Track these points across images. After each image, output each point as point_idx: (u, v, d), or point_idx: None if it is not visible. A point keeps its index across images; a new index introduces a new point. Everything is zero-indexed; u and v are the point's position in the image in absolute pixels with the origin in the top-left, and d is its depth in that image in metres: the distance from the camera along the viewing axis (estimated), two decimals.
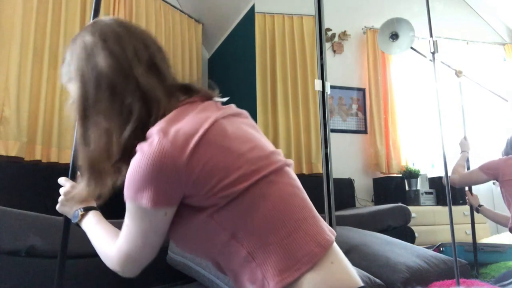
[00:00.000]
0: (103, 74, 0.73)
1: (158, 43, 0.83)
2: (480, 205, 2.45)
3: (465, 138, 2.50)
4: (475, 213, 2.50)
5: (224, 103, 0.85)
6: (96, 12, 1.21)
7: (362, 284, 0.69)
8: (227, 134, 0.71)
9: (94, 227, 0.89)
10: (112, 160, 0.73)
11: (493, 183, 2.53)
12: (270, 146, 0.78)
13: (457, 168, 2.41)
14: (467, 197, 2.53)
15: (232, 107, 0.83)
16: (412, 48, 2.47)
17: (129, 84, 0.73)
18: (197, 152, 0.65)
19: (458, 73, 2.49)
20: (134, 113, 0.72)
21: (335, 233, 0.77)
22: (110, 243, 0.80)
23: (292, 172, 0.79)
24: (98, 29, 0.77)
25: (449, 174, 2.17)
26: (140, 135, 0.69)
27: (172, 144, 0.64)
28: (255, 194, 0.68)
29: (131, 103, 0.72)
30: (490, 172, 2.29)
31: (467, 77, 2.53)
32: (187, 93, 0.80)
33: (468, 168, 2.49)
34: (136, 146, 0.68)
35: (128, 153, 0.70)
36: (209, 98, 0.81)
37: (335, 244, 0.73)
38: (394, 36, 2.46)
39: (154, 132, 0.67)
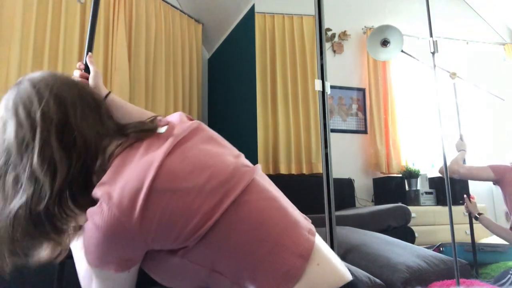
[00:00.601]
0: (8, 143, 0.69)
1: (83, 91, 0.77)
2: (479, 214, 2.40)
3: (461, 138, 2.49)
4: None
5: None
6: (95, 13, 1.21)
7: (350, 279, 0.68)
8: (178, 174, 0.65)
9: None
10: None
11: (494, 183, 2.52)
12: (230, 159, 0.73)
13: (457, 162, 2.40)
14: (465, 204, 2.47)
15: (180, 127, 0.76)
16: (403, 51, 2.47)
17: (25, 156, 0.67)
18: (148, 208, 0.61)
19: (452, 75, 2.48)
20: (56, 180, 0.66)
21: (309, 220, 0.76)
22: None
23: (261, 178, 0.74)
24: (12, 98, 0.77)
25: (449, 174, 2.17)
26: (83, 191, 0.67)
27: (119, 209, 0.61)
28: (224, 225, 0.64)
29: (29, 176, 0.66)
30: (498, 173, 2.30)
31: (461, 79, 2.52)
32: (125, 134, 0.74)
33: None
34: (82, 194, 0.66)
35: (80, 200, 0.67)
36: (150, 132, 0.75)
37: (315, 239, 0.71)
38: (385, 43, 2.48)
39: (99, 195, 0.63)
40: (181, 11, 3.79)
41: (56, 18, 2.71)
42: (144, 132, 0.74)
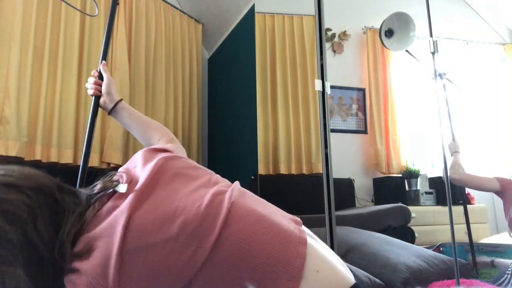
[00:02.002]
0: None
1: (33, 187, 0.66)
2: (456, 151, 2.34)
3: (453, 139, 2.44)
4: (474, 213, 2.49)
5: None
6: (111, 23, 1.25)
7: (353, 282, 0.67)
8: (148, 229, 0.62)
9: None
10: None
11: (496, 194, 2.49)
12: (201, 194, 0.70)
13: (457, 169, 2.37)
14: (448, 144, 2.38)
15: (142, 178, 0.72)
16: (407, 51, 2.44)
17: None
18: (125, 272, 0.59)
19: (443, 75, 2.47)
20: None
21: (299, 221, 0.74)
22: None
23: (241, 198, 0.71)
24: None
25: (449, 174, 2.16)
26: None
27: (94, 279, 0.58)
28: (209, 268, 0.62)
29: None
30: (502, 185, 2.29)
31: (448, 80, 2.51)
32: (89, 204, 0.69)
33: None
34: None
35: None
36: (110, 192, 0.70)
37: (310, 241, 0.68)
38: (388, 33, 2.43)
39: (75, 267, 0.60)
40: (181, 11, 3.79)
41: (56, 18, 2.71)
42: (108, 190, 0.70)
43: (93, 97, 1.17)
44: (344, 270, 0.68)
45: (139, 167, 0.78)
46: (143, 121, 1.11)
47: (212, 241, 0.63)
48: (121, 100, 1.13)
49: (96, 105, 1.17)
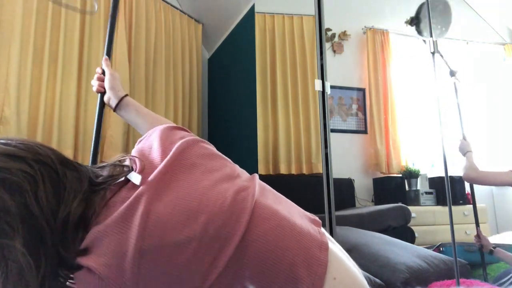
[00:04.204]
0: None
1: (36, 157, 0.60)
2: (494, 247, 2.23)
3: (464, 138, 2.35)
4: (470, 212, 2.45)
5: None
6: (113, 19, 1.25)
7: None
8: (170, 225, 0.57)
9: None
10: None
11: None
12: (225, 188, 0.65)
13: (473, 167, 2.27)
14: (476, 238, 2.30)
15: (158, 168, 0.65)
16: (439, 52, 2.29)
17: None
18: (140, 272, 0.54)
19: (454, 72, 2.44)
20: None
21: (319, 221, 0.71)
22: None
23: (262, 196, 0.67)
24: None
25: (450, 174, 2.15)
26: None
27: (108, 279, 0.54)
28: (230, 273, 0.58)
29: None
30: None
31: (457, 79, 2.47)
32: (98, 190, 0.63)
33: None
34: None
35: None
36: (123, 179, 0.64)
37: (330, 246, 0.65)
38: (413, 21, 2.31)
39: (83, 264, 0.56)
40: (181, 11, 3.79)
41: (56, 18, 2.71)
42: (118, 179, 0.64)
43: (99, 94, 1.13)
44: (361, 277, 0.66)
45: (155, 149, 0.70)
46: (152, 117, 1.02)
47: (235, 243, 0.59)
48: (126, 95, 1.06)
49: (102, 102, 1.12)
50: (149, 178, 0.63)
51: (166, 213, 0.58)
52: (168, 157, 0.67)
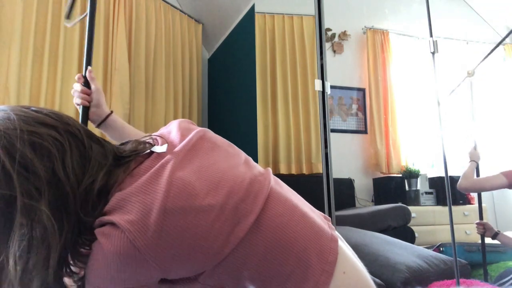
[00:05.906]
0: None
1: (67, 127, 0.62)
2: (497, 232, 2.21)
3: (475, 148, 2.32)
4: (474, 213, 2.45)
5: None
6: (91, 27, 1.16)
7: None
8: (195, 191, 0.59)
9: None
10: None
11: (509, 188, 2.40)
12: (243, 170, 0.68)
13: (466, 176, 2.31)
14: (478, 225, 2.27)
15: (182, 142, 0.68)
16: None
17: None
18: (163, 230, 0.56)
19: (468, 73, 2.40)
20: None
21: (328, 219, 0.72)
22: None
23: (277, 184, 0.70)
24: None
25: (450, 174, 2.15)
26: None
27: (131, 232, 0.55)
28: (245, 248, 0.60)
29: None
30: (510, 178, 2.22)
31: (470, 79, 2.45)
32: (123, 163, 0.66)
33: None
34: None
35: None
36: (149, 150, 0.67)
37: (339, 245, 0.67)
38: None
39: (106, 221, 0.58)
40: (181, 11, 3.79)
41: (56, 19, 2.71)
42: (142, 152, 0.67)
43: (80, 107, 1.02)
44: (369, 278, 0.68)
45: (174, 133, 0.73)
46: (139, 135, 1.00)
47: (251, 220, 0.61)
48: (111, 112, 1.03)
49: (86, 117, 1.02)
50: (175, 149, 0.67)
51: (191, 180, 0.61)
52: (189, 137, 0.70)
